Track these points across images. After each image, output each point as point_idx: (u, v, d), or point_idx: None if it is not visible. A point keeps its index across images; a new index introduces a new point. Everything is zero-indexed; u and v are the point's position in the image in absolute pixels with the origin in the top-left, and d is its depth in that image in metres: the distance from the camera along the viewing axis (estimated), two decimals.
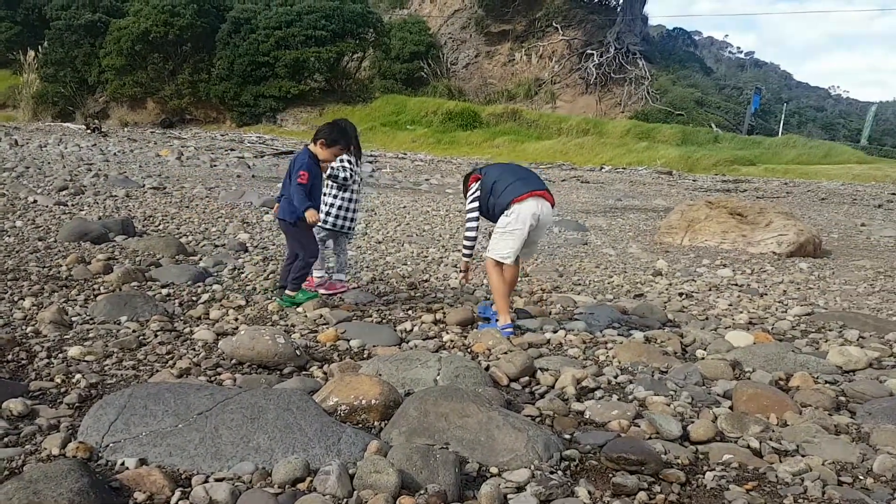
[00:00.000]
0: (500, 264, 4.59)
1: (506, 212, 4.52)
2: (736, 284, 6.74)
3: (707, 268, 7.59)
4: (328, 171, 5.25)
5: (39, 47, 39.60)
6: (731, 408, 3.35)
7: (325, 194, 5.33)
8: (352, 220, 5.51)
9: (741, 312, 5.48)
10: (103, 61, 37.24)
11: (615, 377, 3.75)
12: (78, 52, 38.22)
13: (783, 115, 38.47)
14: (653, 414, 3.16)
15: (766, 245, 8.85)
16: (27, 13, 41.35)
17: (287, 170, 4.96)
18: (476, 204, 4.63)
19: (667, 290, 6.31)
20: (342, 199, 5.44)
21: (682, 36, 50.73)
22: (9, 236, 6.59)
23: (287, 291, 4.92)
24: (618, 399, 3.42)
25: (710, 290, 6.42)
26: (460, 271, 5.03)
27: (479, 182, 4.66)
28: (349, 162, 5.39)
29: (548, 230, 5.11)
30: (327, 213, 5.38)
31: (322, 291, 5.26)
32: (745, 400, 3.35)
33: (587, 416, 3.19)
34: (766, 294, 6.34)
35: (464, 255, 4.86)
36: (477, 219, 4.66)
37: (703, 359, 4.18)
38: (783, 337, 4.86)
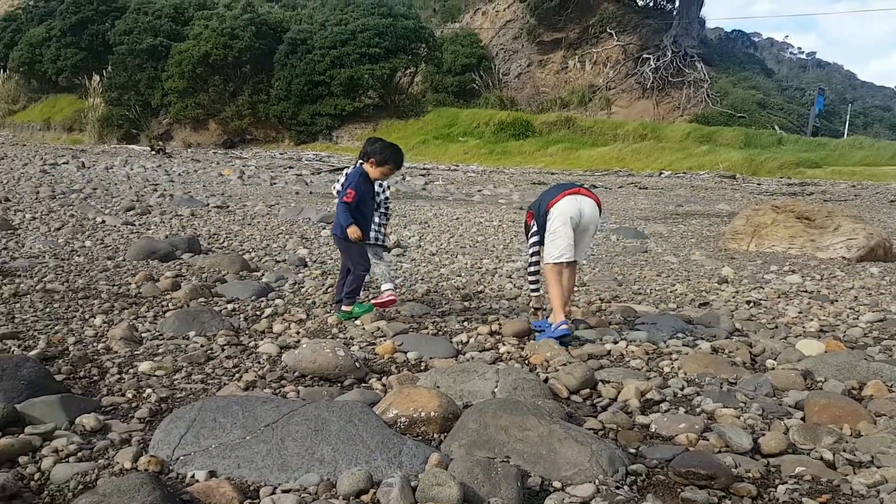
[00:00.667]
0: (560, 271, 4.62)
1: (547, 217, 4.62)
2: (805, 291, 6.51)
3: (775, 274, 7.36)
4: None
5: (104, 72, 41.34)
6: (803, 419, 3.24)
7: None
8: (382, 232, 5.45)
9: (811, 320, 5.29)
10: (166, 84, 38.60)
11: (681, 389, 3.65)
12: (141, 75, 39.73)
13: (848, 116, 37.11)
14: (722, 427, 3.07)
15: (836, 250, 8.53)
16: (91, 39, 43.20)
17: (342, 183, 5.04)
18: (536, 238, 4.76)
19: (733, 298, 6.14)
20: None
21: (741, 38, 49.54)
22: (79, 256, 6.86)
23: (343, 307, 4.99)
24: (685, 412, 3.33)
25: (778, 297, 6.21)
26: (531, 307, 5.03)
27: (533, 216, 4.82)
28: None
29: (597, 229, 5.07)
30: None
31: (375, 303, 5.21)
32: (818, 411, 3.23)
33: (653, 430, 3.11)
34: (836, 300, 6.10)
35: (531, 290, 4.97)
36: (538, 252, 4.78)
37: (773, 369, 4.05)
38: (855, 345, 4.67)
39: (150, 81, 39.64)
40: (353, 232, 4.75)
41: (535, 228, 4.80)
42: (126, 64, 39.77)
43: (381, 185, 5.26)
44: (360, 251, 4.96)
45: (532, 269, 4.85)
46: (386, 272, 5.37)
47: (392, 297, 5.23)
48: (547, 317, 4.79)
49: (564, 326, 4.46)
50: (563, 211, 4.56)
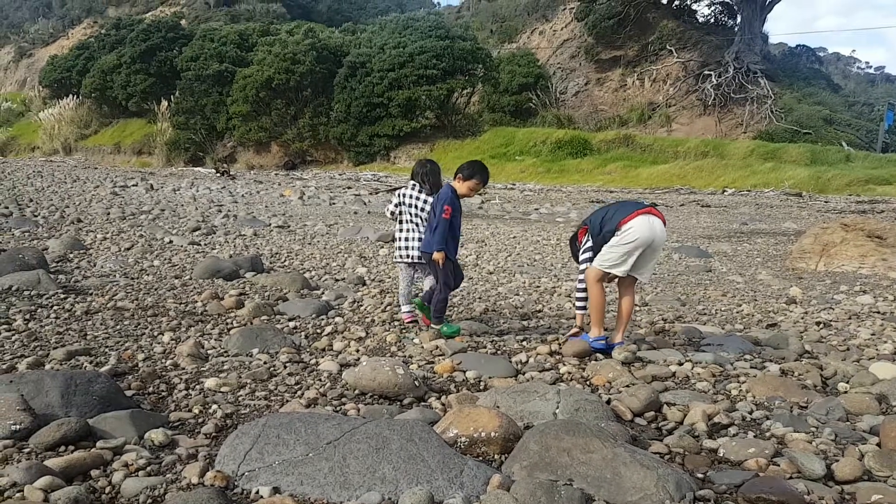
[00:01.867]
0: (602, 279, 4.57)
1: (616, 232, 4.49)
2: (878, 312, 6.23)
3: (845, 294, 7.08)
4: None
5: (171, 97, 42.96)
6: (878, 445, 3.09)
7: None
8: (396, 248, 5.42)
9: (885, 342, 5.06)
10: (230, 108, 39.83)
11: (750, 413, 3.53)
12: (207, 100, 41.11)
13: None
14: (793, 452, 2.96)
15: None
16: (160, 65, 45.00)
17: (431, 206, 5.09)
18: (589, 254, 4.69)
19: (802, 319, 5.93)
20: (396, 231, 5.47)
21: (805, 53, 48.20)
22: (148, 275, 7.09)
23: (432, 325, 5.09)
24: (754, 436, 3.22)
25: (849, 318, 5.97)
26: (575, 326, 4.93)
27: (587, 232, 4.73)
28: (402, 195, 5.38)
29: (663, 250, 5.00)
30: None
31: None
32: (894, 436, 3.07)
33: (721, 455, 3.02)
34: None
35: (577, 307, 4.90)
36: (586, 269, 4.71)
37: (845, 392, 3.88)
38: None
39: (215, 106, 40.99)
40: (440, 257, 4.90)
41: (588, 244, 4.71)
42: (193, 89, 41.24)
43: (422, 199, 5.30)
44: (446, 270, 5.01)
45: (581, 285, 4.78)
46: (407, 291, 5.42)
47: (406, 318, 5.39)
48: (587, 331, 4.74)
49: (602, 342, 4.53)
50: (637, 229, 4.43)
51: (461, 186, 5.02)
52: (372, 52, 37.13)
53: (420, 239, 5.24)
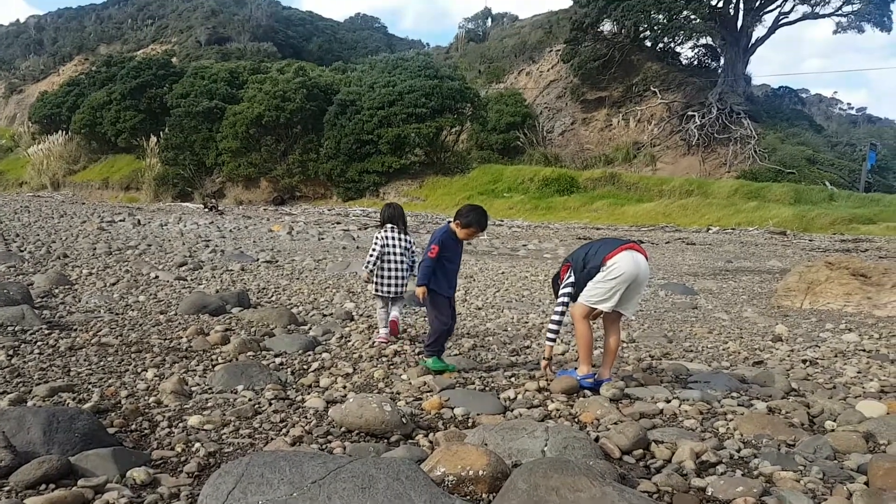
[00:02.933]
0: (588, 315, 4.59)
1: (601, 268, 4.52)
2: (864, 350, 6.27)
3: (831, 332, 7.12)
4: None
5: (161, 133, 43.11)
6: (866, 483, 3.09)
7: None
8: (387, 285, 5.89)
9: (871, 380, 5.08)
10: (220, 144, 39.98)
11: (738, 451, 3.52)
12: (196, 136, 41.28)
13: None
14: (782, 490, 2.95)
15: (894, 307, 8.23)
16: (150, 102, 45.26)
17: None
18: (569, 290, 4.70)
19: (788, 356, 5.95)
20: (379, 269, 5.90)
21: (788, 94, 49.20)
22: (133, 310, 7.04)
23: (423, 357, 5.12)
24: (742, 474, 3.20)
25: (835, 356, 5.99)
26: (543, 359, 4.90)
27: (570, 269, 4.75)
28: (383, 237, 5.90)
29: (647, 286, 5.05)
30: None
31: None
32: (882, 475, 3.07)
33: (709, 493, 3.00)
34: None
35: (548, 339, 4.85)
36: (566, 304, 4.75)
37: (832, 430, 3.88)
38: None
39: (204, 142, 41.14)
40: (419, 293, 5.03)
41: (570, 279, 4.72)
42: (182, 125, 41.42)
43: (406, 240, 5.91)
44: (439, 307, 5.06)
45: (556, 318, 4.74)
46: (386, 317, 5.93)
47: (383, 340, 5.82)
48: (575, 369, 4.73)
49: (590, 381, 4.54)
50: (622, 264, 4.48)
51: (460, 231, 5.11)
52: (362, 91, 37.54)
53: (402, 276, 5.90)
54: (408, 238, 6.00)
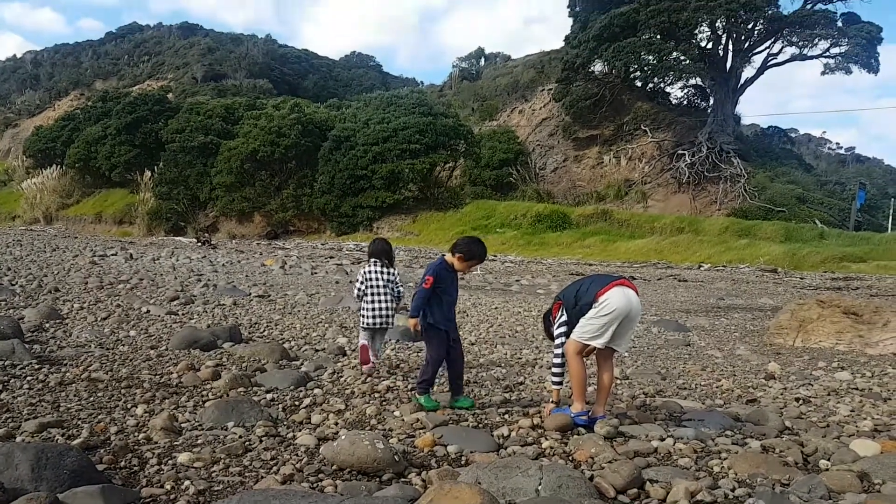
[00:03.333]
0: (581, 351, 4.58)
1: (593, 304, 4.52)
2: (856, 388, 6.26)
3: (824, 371, 7.12)
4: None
5: (155, 167, 43.26)
6: None
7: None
8: (371, 317, 6.07)
9: (865, 419, 5.07)
10: (214, 179, 40.14)
11: (732, 490, 3.50)
12: (191, 171, 41.45)
13: (892, 210, 36.65)
14: None
15: (886, 346, 8.24)
16: (145, 137, 45.54)
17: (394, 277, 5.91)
18: (564, 328, 4.69)
19: (781, 394, 5.94)
20: (364, 302, 6.09)
21: (777, 134, 49.95)
22: (123, 345, 6.99)
23: (416, 393, 5.09)
24: None
25: (828, 394, 5.99)
26: (551, 401, 4.87)
27: (562, 307, 4.74)
28: (365, 272, 6.12)
29: (640, 323, 5.05)
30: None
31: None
32: None
33: None
34: (889, 399, 5.85)
35: (553, 383, 4.83)
36: (562, 344, 4.71)
37: (827, 470, 3.86)
38: None
39: (199, 176, 41.31)
40: (411, 324, 5.03)
41: (563, 318, 4.71)
42: (177, 160, 41.64)
43: (390, 273, 6.07)
44: (434, 341, 5.03)
45: (557, 360, 4.73)
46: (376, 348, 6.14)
47: (370, 366, 6.00)
48: (569, 406, 4.70)
49: (584, 418, 4.51)
50: (614, 300, 4.49)
51: (459, 264, 5.07)
52: (356, 127, 37.91)
53: (387, 308, 6.05)
54: (391, 271, 6.14)
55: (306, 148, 38.12)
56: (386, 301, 6.06)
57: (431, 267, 5.09)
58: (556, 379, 4.80)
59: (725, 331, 10.10)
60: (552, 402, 4.84)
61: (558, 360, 4.73)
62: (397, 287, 6.17)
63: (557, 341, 4.73)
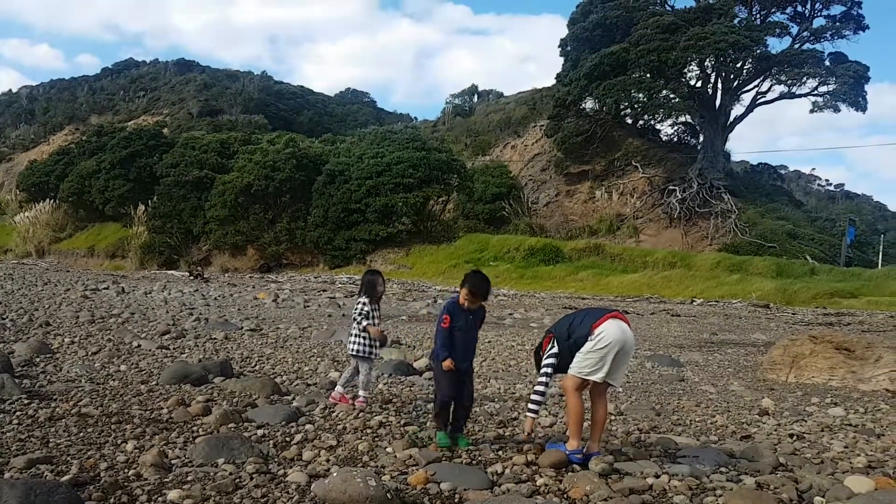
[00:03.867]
0: (580, 387, 4.57)
1: (589, 337, 4.54)
2: (850, 424, 6.26)
3: (817, 406, 7.12)
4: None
5: (149, 201, 43.28)
6: None
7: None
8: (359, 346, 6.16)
9: (858, 455, 5.06)
10: (208, 213, 40.19)
11: None
12: (185, 205, 41.51)
13: (882, 246, 36.97)
14: None
15: (878, 382, 8.25)
16: (139, 171, 45.65)
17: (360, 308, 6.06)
18: (552, 360, 4.69)
19: (775, 430, 5.93)
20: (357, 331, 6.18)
21: (767, 171, 50.56)
22: (114, 380, 6.92)
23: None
24: None
25: (822, 430, 5.98)
26: (524, 432, 4.84)
27: (553, 339, 4.73)
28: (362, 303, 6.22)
29: (634, 357, 5.07)
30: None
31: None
32: None
33: None
34: (883, 434, 5.85)
35: (529, 410, 4.79)
36: (550, 375, 4.73)
37: None
38: None
39: (192, 210, 41.36)
40: (448, 365, 4.92)
41: (553, 350, 4.70)
42: (171, 194, 41.71)
43: (359, 303, 6.18)
44: (444, 378, 4.99)
45: (540, 388, 4.70)
46: (367, 380, 6.12)
47: (362, 403, 6.01)
48: (564, 442, 4.68)
49: (579, 456, 4.50)
50: (609, 333, 4.51)
51: (461, 297, 5.06)
52: (350, 161, 38.16)
53: (353, 336, 6.14)
54: (357, 300, 6.32)
55: (300, 182, 38.30)
56: (355, 330, 6.19)
57: (446, 306, 5.12)
58: (533, 407, 4.76)
59: (719, 366, 10.09)
60: (525, 432, 4.80)
61: (541, 389, 4.72)
62: (353, 314, 6.29)
63: (544, 370, 4.72)
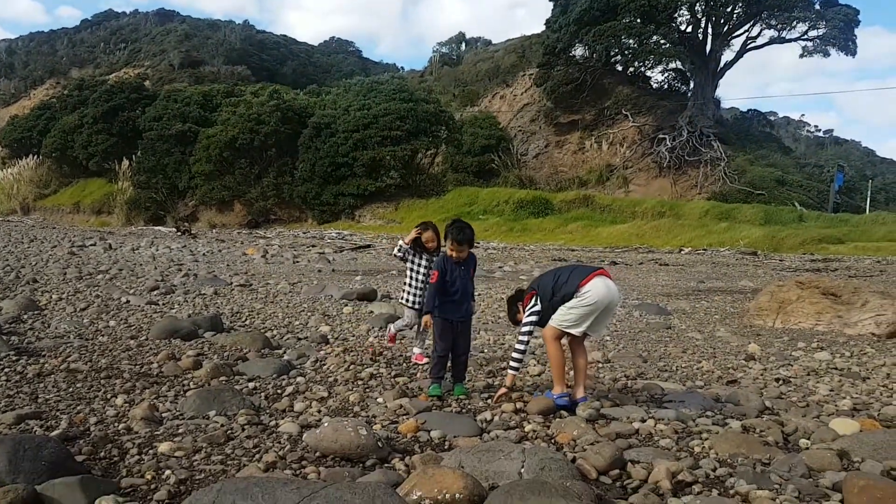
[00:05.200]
0: (559, 337, 4.64)
1: (575, 294, 4.59)
2: (835, 368, 6.34)
3: (803, 351, 7.20)
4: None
5: (133, 157, 42.71)
6: (841, 501, 3.11)
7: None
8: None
9: (844, 398, 5.14)
10: (193, 168, 39.73)
11: (713, 470, 3.53)
12: (169, 159, 40.98)
13: (870, 192, 37.11)
14: None
15: (864, 326, 8.35)
16: (122, 126, 44.88)
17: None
18: (534, 318, 4.74)
19: (762, 375, 6.00)
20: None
21: (756, 117, 50.28)
22: (103, 336, 6.91)
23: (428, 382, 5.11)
24: (718, 494, 3.21)
25: (808, 374, 6.06)
26: (505, 385, 4.85)
27: (536, 296, 4.75)
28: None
29: (622, 307, 5.15)
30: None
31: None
32: (857, 492, 3.09)
33: None
34: (868, 378, 5.93)
35: (510, 367, 4.84)
36: (530, 332, 4.78)
37: (807, 449, 3.90)
38: (891, 423, 4.51)
39: (177, 165, 40.86)
40: (427, 321, 5.00)
41: (535, 307, 4.73)
42: (155, 149, 41.13)
43: (429, 260, 5.83)
44: (437, 329, 5.01)
45: (520, 346, 4.76)
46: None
47: (420, 358, 5.89)
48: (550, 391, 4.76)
49: (566, 399, 4.59)
50: (597, 293, 4.56)
51: (451, 248, 5.01)
52: (337, 114, 37.63)
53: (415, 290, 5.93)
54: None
55: (286, 135, 37.81)
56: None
57: (436, 262, 5.12)
58: (514, 364, 4.82)
59: (706, 313, 10.18)
60: (505, 387, 4.83)
61: (521, 347, 4.77)
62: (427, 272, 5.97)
63: (524, 329, 4.78)
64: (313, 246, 23.97)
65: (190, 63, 66.43)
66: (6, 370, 5.26)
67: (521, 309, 4.93)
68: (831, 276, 13.80)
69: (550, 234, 30.22)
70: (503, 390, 4.82)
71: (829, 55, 36.58)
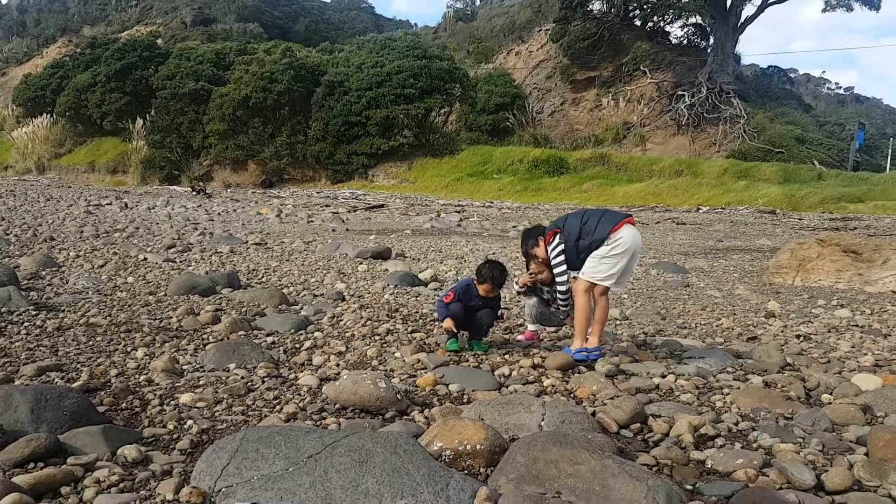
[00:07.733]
0: (589, 290, 4.60)
1: (606, 242, 4.52)
2: (856, 325, 6.27)
3: (823, 308, 7.12)
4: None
5: (147, 115, 42.55)
6: (866, 454, 3.07)
7: None
8: None
9: (865, 354, 5.08)
10: (207, 127, 39.54)
11: (735, 424, 3.50)
12: (183, 119, 40.77)
13: (890, 150, 36.40)
14: (782, 462, 2.92)
15: (885, 284, 8.23)
16: (135, 84, 44.55)
17: None
18: (562, 257, 4.69)
19: (782, 332, 5.94)
20: None
21: (777, 74, 49.22)
22: (121, 291, 6.95)
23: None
24: (741, 447, 3.19)
25: (828, 331, 6.00)
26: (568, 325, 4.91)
27: (558, 235, 4.70)
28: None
29: (639, 265, 5.12)
30: None
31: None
32: (882, 446, 3.05)
33: (709, 466, 2.98)
34: (889, 335, 5.86)
35: (561, 308, 4.97)
36: (566, 272, 4.75)
37: (829, 403, 3.87)
38: None
39: (191, 124, 40.67)
40: (447, 325, 4.79)
41: (560, 247, 4.64)
42: (168, 108, 40.90)
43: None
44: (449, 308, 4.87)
45: (562, 286, 4.78)
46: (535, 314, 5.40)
47: (530, 336, 5.37)
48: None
49: (584, 353, 4.58)
50: (627, 239, 4.51)
51: (479, 288, 4.88)
52: (349, 72, 37.19)
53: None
54: None
55: (299, 94, 37.45)
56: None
57: (454, 288, 4.97)
58: (562, 304, 4.91)
59: (724, 272, 10.09)
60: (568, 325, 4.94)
61: (563, 289, 4.80)
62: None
63: (559, 269, 4.74)
64: (327, 206, 23.94)
65: (202, 20, 65.77)
66: (26, 324, 5.30)
67: (538, 243, 4.87)
68: (851, 234, 13.61)
69: (565, 193, 29.94)
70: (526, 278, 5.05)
71: (852, 9, 35.63)
